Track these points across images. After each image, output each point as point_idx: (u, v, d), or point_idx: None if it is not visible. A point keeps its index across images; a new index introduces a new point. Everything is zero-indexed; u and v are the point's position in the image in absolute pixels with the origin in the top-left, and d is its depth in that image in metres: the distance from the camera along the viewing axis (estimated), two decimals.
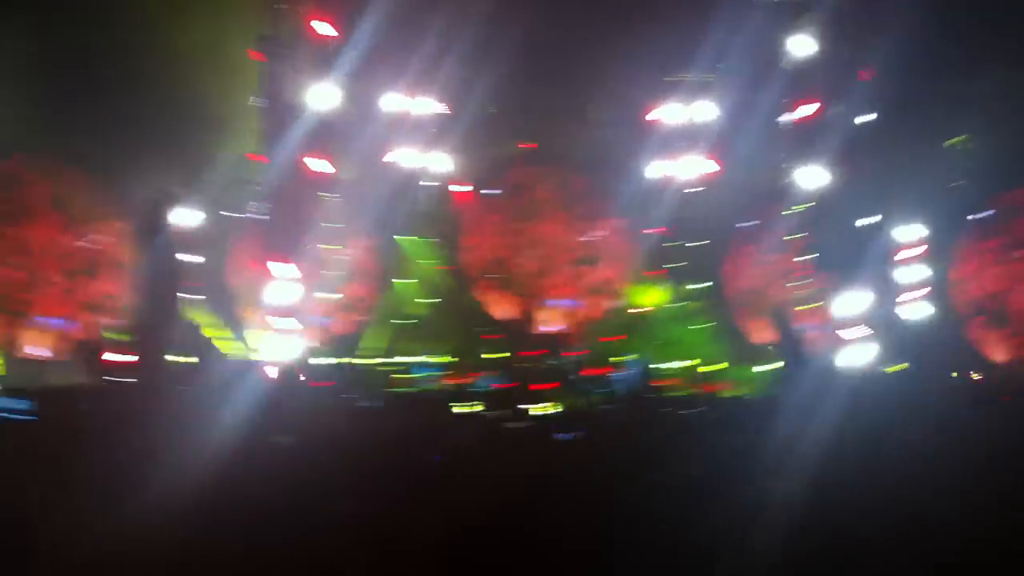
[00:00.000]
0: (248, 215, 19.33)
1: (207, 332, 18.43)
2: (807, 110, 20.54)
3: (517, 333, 20.44)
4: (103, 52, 18.38)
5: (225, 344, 18.51)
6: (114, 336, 17.16)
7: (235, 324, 18.95)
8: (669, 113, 22.04)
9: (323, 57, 19.80)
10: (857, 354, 18.74)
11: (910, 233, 20.03)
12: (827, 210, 19.89)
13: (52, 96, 18.04)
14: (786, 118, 20.91)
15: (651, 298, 21.36)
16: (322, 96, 19.52)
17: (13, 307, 17.79)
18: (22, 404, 10.72)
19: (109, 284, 18.34)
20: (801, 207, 20.22)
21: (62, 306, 18.02)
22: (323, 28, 19.79)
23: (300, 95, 19.48)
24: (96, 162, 18.83)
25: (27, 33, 17.38)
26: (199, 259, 18.64)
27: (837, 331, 18.79)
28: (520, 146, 22.20)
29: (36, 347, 17.81)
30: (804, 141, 20.50)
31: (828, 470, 8.82)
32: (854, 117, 20.09)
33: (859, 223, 19.65)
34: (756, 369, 19.48)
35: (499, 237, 20.90)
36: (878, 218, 19.69)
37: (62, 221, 18.48)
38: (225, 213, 19.51)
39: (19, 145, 18.38)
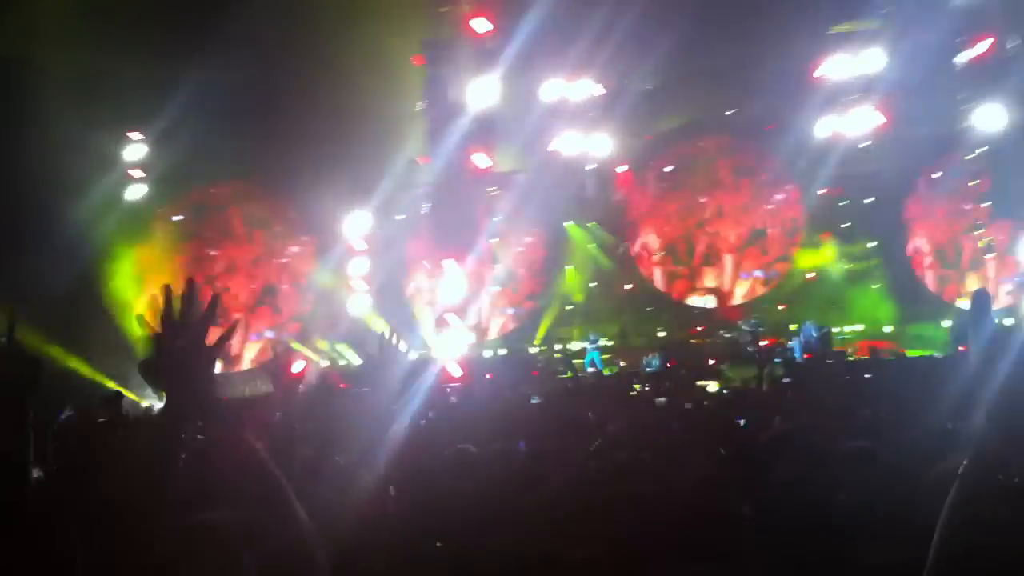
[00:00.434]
0: (419, 216, 19.87)
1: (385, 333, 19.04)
2: (982, 46, 19.42)
3: (690, 309, 20.28)
4: (277, 73, 19.23)
5: (403, 344, 19.08)
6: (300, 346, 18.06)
7: (411, 324, 19.56)
8: (836, 66, 21.16)
9: (482, 53, 20.06)
10: None
11: None
12: (1009, 152, 18.79)
13: (235, 121, 19.01)
14: (960, 57, 19.81)
15: (823, 260, 20.74)
16: (483, 92, 19.81)
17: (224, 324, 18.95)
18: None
19: (298, 298, 19.48)
20: (981, 151, 19.17)
21: (269, 320, 19.13)
22: (481, 25, 20.04)
23: (462, 94, 19.85)
24: (280, 181, 19.94)
25: (213, 65, 18.37)
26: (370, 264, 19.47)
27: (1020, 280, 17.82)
28: (684, 119, 21.86)
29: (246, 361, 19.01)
30: (981, 80, 19.42)
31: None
32: None
33: None
34: (940, 326, 18.64)
35: (668, 214, 20.80)
36: None
37: (261, 241, 19.75)
38: (398, 217, 20.09)
39: (213, 171, 19.68)
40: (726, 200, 20.78)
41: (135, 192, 19.49)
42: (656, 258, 20.88)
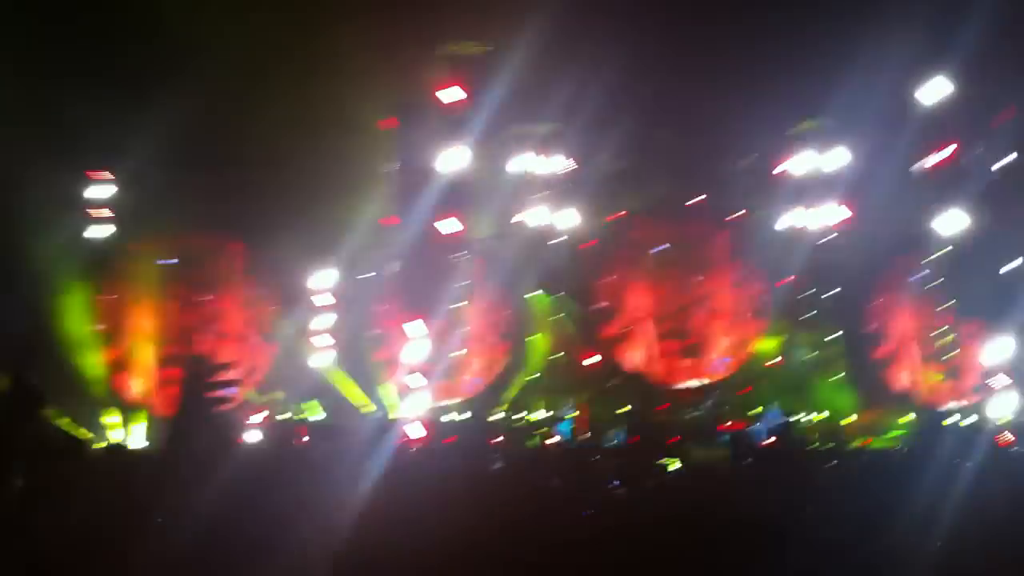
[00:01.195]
0: (382, 277, 19.82)
1: (344, 392, 18.90)
2: (943, 154, 20.02)
3: (651, 387, 20.37)
4: (246, 128, 19.20)
5: (362, 403, 18.92)
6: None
7: (371, 383, 19.41)
8: (801, 162, 21.68)
9: (452, 121, 20.22)
10: (1001, 404, 18.17)
11: None
12: (967, 256, 19.30)
13: (204, 167, 18.95)
14: (922, 163, 20.38)
15: (785, 349, 21.00)
16: (452, 159, 19.96)
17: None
18: None
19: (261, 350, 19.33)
20: (939, 253, 19.66)
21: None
22: (452, 94, 20.22)
23: (431, 159, 19.96)
24: (246, 234, 19.84)
25: (184, 110, 18.29)
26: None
27: (983, 380, 18.21)
28: (653, 200, 22.14)
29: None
30: (941, 186, 19.98)
31: (967, 531, 8.56)
32: (993, 160, 19.53)
33: (1001, 269, 19.01)
34: (897, 420, 18.93)
35: (631, 291, 21.00)
36: (1019, 261, 19.03)
37: (226, 293, 19.65)
38: (361, 276, 20.01)
39: (179, 218, 19.52)
40: (693, 284, 21.06)
41: (99, 231, 19.18)
42: (616, 334, 20.99)
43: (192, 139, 18.52)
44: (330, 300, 19.76)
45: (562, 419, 19.55)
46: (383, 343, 19.38)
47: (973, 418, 16.64)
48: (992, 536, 8.51)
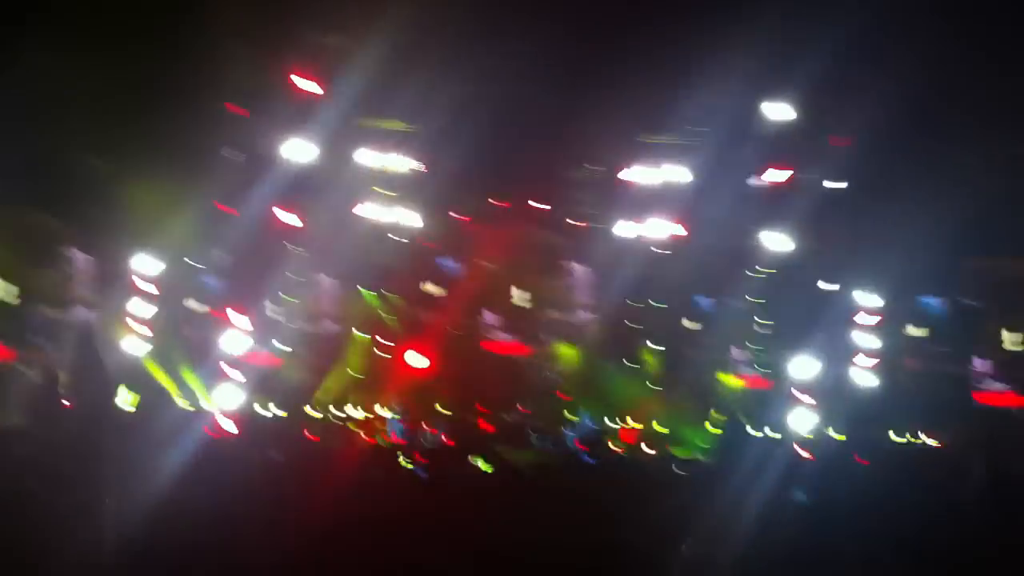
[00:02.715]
0: (211, 265, 19.32)
1: (158, 380, 18.35)
2: (779, 175, 20.63)
3: (477, 384, 20.49)
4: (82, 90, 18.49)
5: (175, 392, 18.40)
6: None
7: (186, 374, 18.91)
8: (640, 174, 22.07)
9: (301, 111, 19.86)
10: (804, 419, 18.85)
11: (868, 301, 20.20)
12: (790, 276, 20.01)
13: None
14: (757, 182, 20.98)
15: (607, 357, 21.37)
16: (297, 150, 19.60)
17: None
18: None
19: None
20: (764, 272, 20.32)
21: None
22: (303, 83, 19.85)
23: (275, 148, 19.56)
24: (70, 206, 19.10)
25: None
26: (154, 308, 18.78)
27: (789, 395, 18.91)
28: (493, 204, 22.27)
29: None
30: (774, 206, 20.60)
31: (767, 539, 8.79)
32: (824, 183, 20.26)
33: (820, 289, 19.76)
34: (705, 433, 19.48)
35: (463, 291, 21.13)
36: (837, 286, 19.85)
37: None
38: (188, 262, 19.45)
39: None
40: (515, 283, 21.32)
41: None
42: (443, 332, 21.13)
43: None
44: (151, 285, 19.08)
45: (395, 419, 19.43)
46: (203, 332, 18.89)
47: (775, 432, 17.26)
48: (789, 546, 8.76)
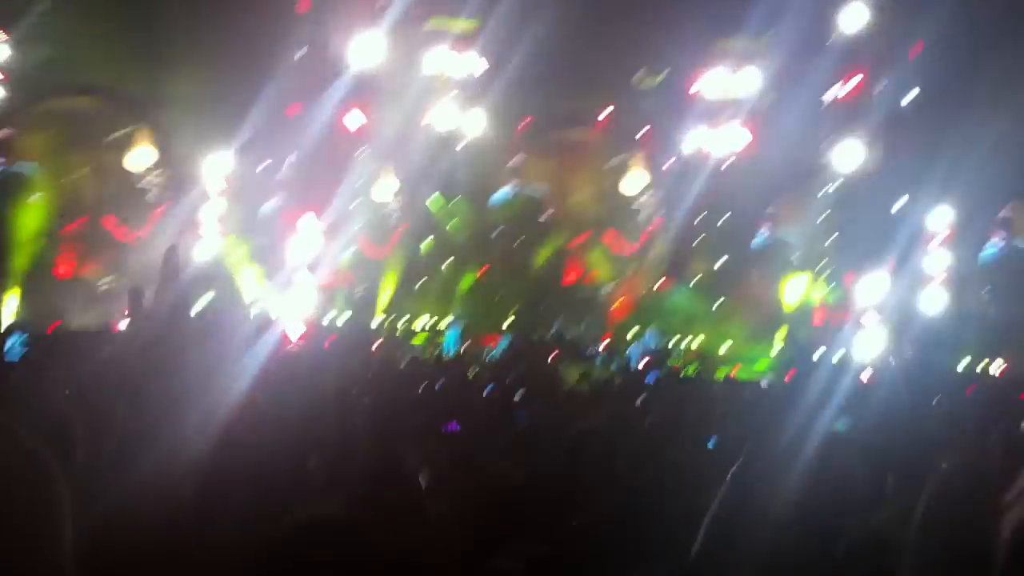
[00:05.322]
0: (283, 168, 19.47)
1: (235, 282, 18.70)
2: (851, 84, 20.19)
3: (537, 301, 20.62)
4: None
5: (250, 296, 18.72)
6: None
7: (256, 278, 19.23)
8: (713, 82, 21.68)
9: (369, 10, 19.73)
10: (870, 342, 18.48)
11: (939, 217, 19.79)
12: (859, 190, 19.68)
13: (105, 31, 18.28)
14: (829, 93, 20.56)
15: (671, 274, 21.34)
16: (366, 51, 19.49)
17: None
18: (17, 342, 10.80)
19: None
20: (834, 185, 20.03)
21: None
22: None
23: (343, 49, 19.50)
24: (144, 104, 19.39)
25: None
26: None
27: (854, 317, 18.69)
28: (559, 109, 22.10)
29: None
30: (846, 117, 20.23)
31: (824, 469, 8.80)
32: (899, 93, 19.79)
33: (890, 205, 19.42)
34: (770, 351, 19.43)
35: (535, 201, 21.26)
36: (906, 200, 19.46)
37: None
38: (261, 164, 19.64)
39: (77, 81, 19.06)
40: (583, 196, 21.27)
41: None
42: (510, 244, 21.23)
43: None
44: (223, 186, 19.31)
45: (448, 329, 19.64)
46: (273, 236, 19.12)
47: (841, 353, 17.14)
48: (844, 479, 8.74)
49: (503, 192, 21.77)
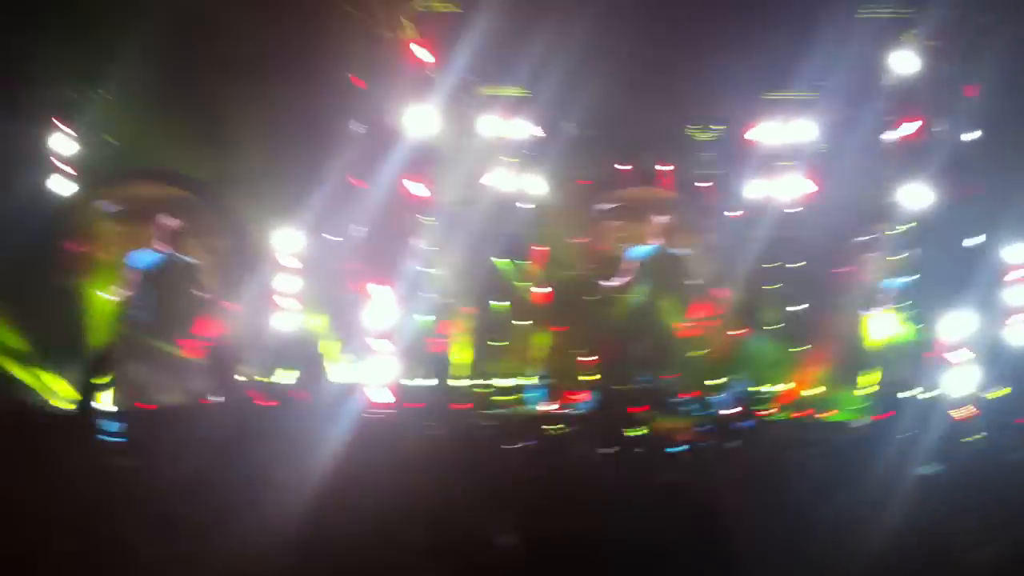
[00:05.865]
0: (348, 238, 19.68)
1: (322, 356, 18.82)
2: (910, 127, 20.14)
3: (616, 355, 20.55)
4: (211, 76, 19.00)
5: (336, 368, 18.82)
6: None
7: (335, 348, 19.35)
8: (768, 132, 21.73)
9: (421, 81, 20.04)
10: (960, 378, 18.29)
11: (1019, 253, 19.49)
12: (932, 229, 19.51)
13: (166, 119, 18.65)
14: (888, 136, 20.51)
15: (749, 319, 21.20)
16: (420, 120, 19.77)
17: None
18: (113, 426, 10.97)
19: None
20: (904, 227, 19.86)
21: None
22: (422, 53, 20.04)
23: (399, 119, 19.79)
24: (209, 187, 19.81)
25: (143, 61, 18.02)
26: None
27: (942, 354, 18.42)
28: (619, 168, 22.23)
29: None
30: (907, 159, 20.13)
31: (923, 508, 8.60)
32: (959, 134, 19.67)
33: (965, 242, 19.22)
34: (856, 393, 19.16)
35: (600, 259, 21.30)
36: (983, 237, 19.24)
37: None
38: (330, 237, 19.86)
39: (142, 170, 19.53)
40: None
41: (63, 187, 18.77)
42: (582, 300, 21.27)
43: (158, 87, 18.44)
44: (295, 261, 19.56)
45: (531, 386, 19.64)
46: (348, 307, 19.26)
47: (932, 392, 16.86)
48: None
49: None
